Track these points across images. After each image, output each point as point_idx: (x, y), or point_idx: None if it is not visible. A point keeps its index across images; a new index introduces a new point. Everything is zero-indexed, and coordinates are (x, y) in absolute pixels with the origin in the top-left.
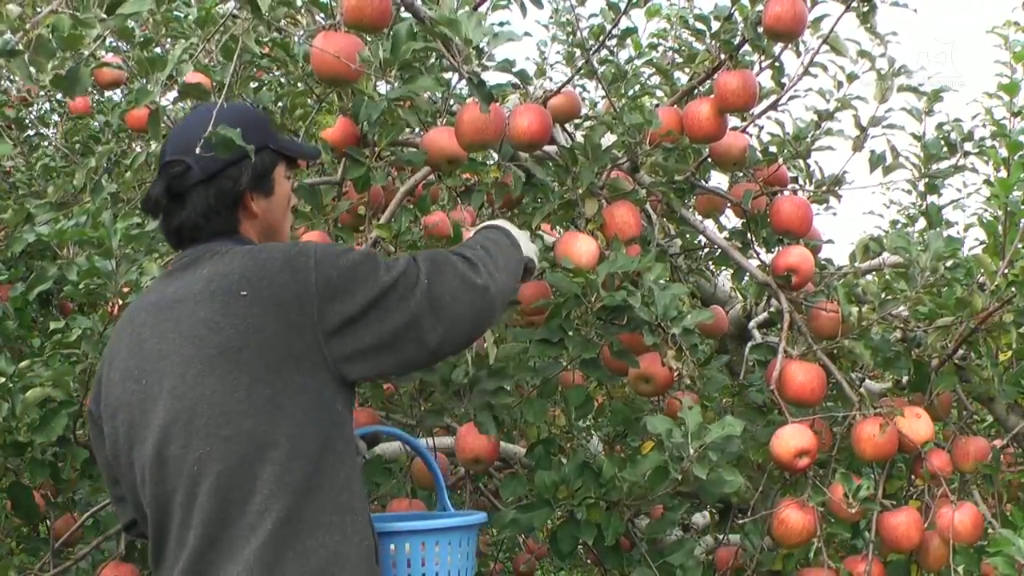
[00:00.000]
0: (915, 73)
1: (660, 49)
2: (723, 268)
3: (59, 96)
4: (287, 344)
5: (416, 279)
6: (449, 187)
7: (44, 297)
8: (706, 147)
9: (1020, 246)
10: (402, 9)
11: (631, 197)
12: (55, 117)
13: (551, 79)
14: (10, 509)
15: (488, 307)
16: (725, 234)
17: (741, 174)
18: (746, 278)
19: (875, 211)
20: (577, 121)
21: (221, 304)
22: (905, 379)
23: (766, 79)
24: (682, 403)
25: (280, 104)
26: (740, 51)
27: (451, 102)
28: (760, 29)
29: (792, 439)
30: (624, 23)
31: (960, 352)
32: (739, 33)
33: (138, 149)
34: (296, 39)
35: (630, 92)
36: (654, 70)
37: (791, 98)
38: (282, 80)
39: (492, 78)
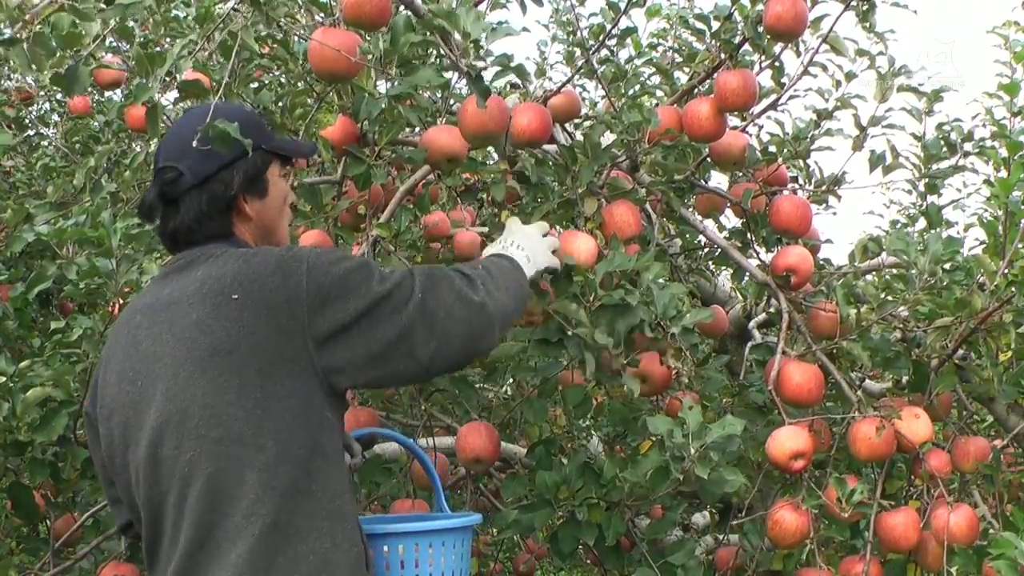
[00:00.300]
0: (915, 73)
1: (660, 49)
2: (723, 268)
3: (59, 96)
4: (277, 348)
5: (410, 291)
6: (449, 187)
7: (44, 297)
8: (706, 146)
9: (1020, 246)
10: (401, 8)
11: (630, 196)
12: (55, 117)
13: (551, 79)
14: (10, 509)
15: (485, 325)
16: (725, 234)
17: (741, 174)
18: (746, 278)
19: (875, 211)
20: (577, 121)
21: (213, 307)
22: (905, 379)
23: (766, 79)
24: (683, 403)
25: (280, 104)
26: (740, 50)
27: (451, 101)
28: (761, 28)
29: (788, 441)
30: (624, 23)
31: (960, 352)
32: (739, 32)
33: (138, 149)
34: (296, 37)
35: (630, 92)
36: (654, 70)
37: (791, 98)
38: (282, 80)
39: (491, 74)
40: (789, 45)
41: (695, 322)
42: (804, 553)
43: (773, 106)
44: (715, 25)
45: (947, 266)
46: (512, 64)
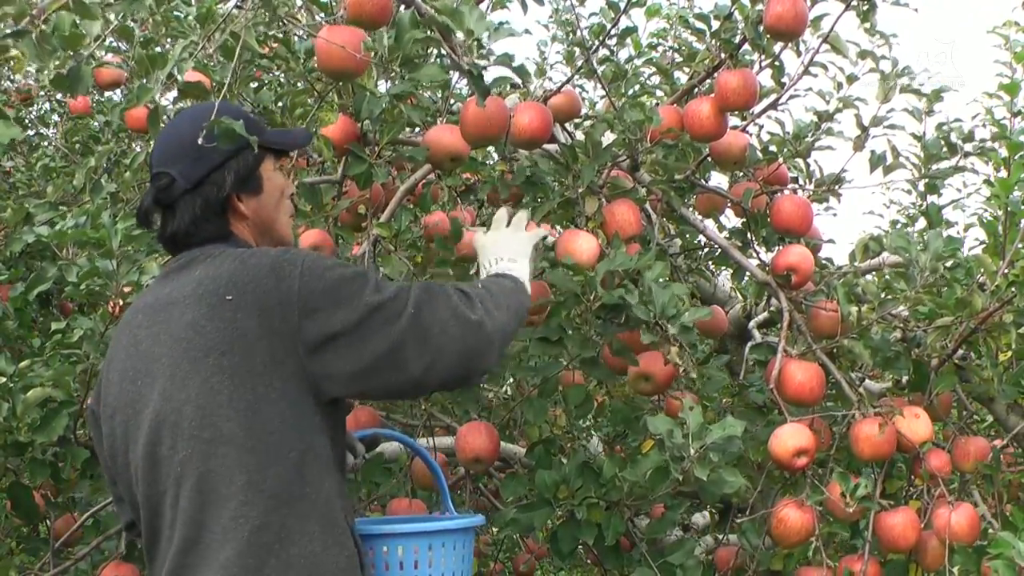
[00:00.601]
0: (917, 75)
1: (660, 49)
2: (723, 268)
3: (59, 96)
4: (269, 350)
5: (404, 305)
6: (449, 186)
7: (44, 297)
8: (706, 146)
9: (1020, 246)
10: (402, 6)
11: (631, 195)
12: (55, 117)
13: (551, 79)
14: (10, 509)
15: (482, 344)
16: (725, 233)
17: (741, 173)
18: (746, 277)
19: (875, 211)
20: (577, 120)
21: (208, 307)
22: (905, 379)
23: (766, 78)
24: (683, 403)
25: (280, 103)
26: (740, 50)
27: (452, 101)
28: (761, 28)
29: (790, 438)
30: (624, 22)
31: (960, 352)
32: (739, 32)
33: (138, 149)
34: (296, 36)
35: (630, 91)
36: (654, 70)
37: (791, 98)
38: (282, 79)
39: (492, 73)
40: (789, 45)
41: (694, 320)
42: (810, 551)
43: (773, 106)
44: (715, 25)
45: (948, 264)
46: (513, 64)
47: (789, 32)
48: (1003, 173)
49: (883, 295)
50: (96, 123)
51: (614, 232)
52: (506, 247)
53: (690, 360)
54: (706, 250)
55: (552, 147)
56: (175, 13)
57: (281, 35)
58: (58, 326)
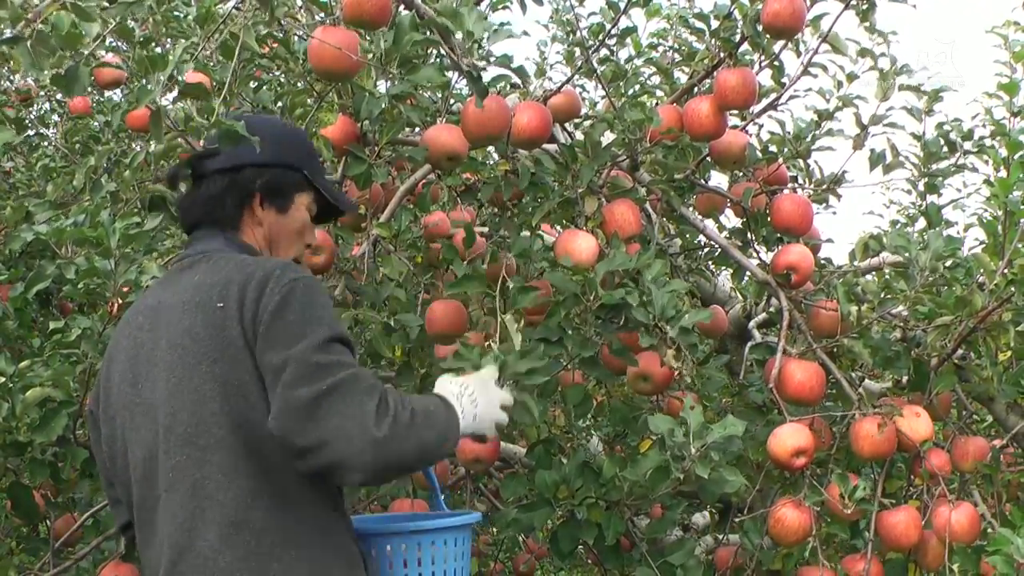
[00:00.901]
0: (916, 73)
1: (660, 48)
2: (723, 268)
3: (59, 96)
4: (250, 362)
5: (327, 377)
6: (449, 186)
7: (44, 297)
8: (706, 145)
9: (1020, 246)
10: (401, 7)
11: (631, 195)
12: (55, 117)
13: (551, 79)
14: (10, 509)
15: (374, 458)
16: (725, 233)
17: (741, 173)
18: (746, 277)
19: (875, 211)
20: (577, 120)
21: (203, 315)
22: (905, 378)
23: (766, 78)
24: (684, 403)
25: (280, 104)
26: (740, 49)
27: (451, 101)
28: (760, 27)
29: (789, 438)
30: (624, 22)
31: (960, 352)
32: (739, 31)
33: (138, 149)
34: (296, 36)
35: (630, 91)
36: (654, 69)
37: (791, 97)
38: (282, 79)
39: (491, 73)
40: (789, 44)
41: (694, 322)
42: (806, 551)
43: (773, 105)
44: (715, 24)
45: (947, 263)
46: (512, 65)
47: (787, 29)
48: (1003, 173)
49: (883, 294)
50: (96, 123)
51: (613, 232)
52: (484, 396)
53: (687, 362)
54: (706, 250)
55: (552, 147)
56: (175, 13)
57: (281, 35)
58: (57, 326)
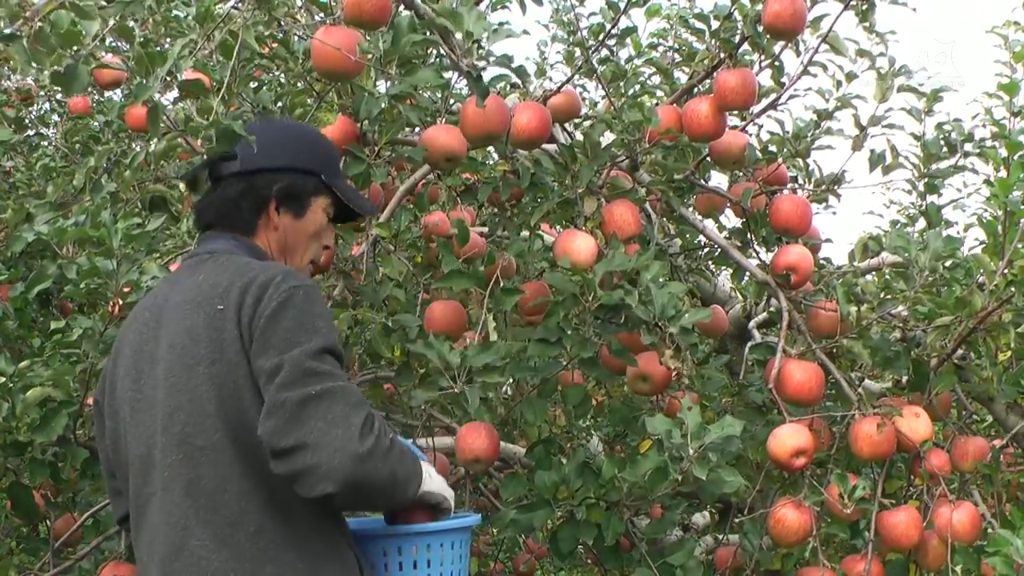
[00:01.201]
0: (915, 73)
1: (660, 49)
2: (723, 268)
3: (59, 96)
4: (248, 363)
5: (318, 384)
6: (449, 186)
7: (44, 297)
8: (705, 146)
9: (1020, 246)
10: (401, 7)
11: (630, 196)
12: (55, 117)
13: (551, 79)
14: (10, 509)
15: (341, 468)
16: (725, 233)
17: (740, 173)
18: (746, 277)
19: (875, 211)
20: (577, 120)
21: (204, 316)
22: (904, 379)
23: (766, 78)
24: (682, 403)
25: (280, 104)
26: (739, 50)
27: (451, 101)
28: (760, 27)
29: (789, 438)
30: (624, 22)
31: (959, 352)
32: (739, 31)
33: (138, 149)
34: (296, 36)
35: (630, 91)
36: (654, 69)
37: (791, 97)
38: (281, 79)
39: (490, 73)
40: (789, 44)
41: (694, 322)
42: (807, 551)
43: (773, 105)
44: (715, 24)
45: (947, 264)
46: (512, 65)
47: (788, 30)
48: (1003, 173)
49: (883, 295)
50: (96, 123)
51: (612, 232)
52: (436, 475)
53: (686, 362)
54: (706, 250)
55: (551, 147)
56: (174, 13)
57: (280, 35)
58: (57, 326)
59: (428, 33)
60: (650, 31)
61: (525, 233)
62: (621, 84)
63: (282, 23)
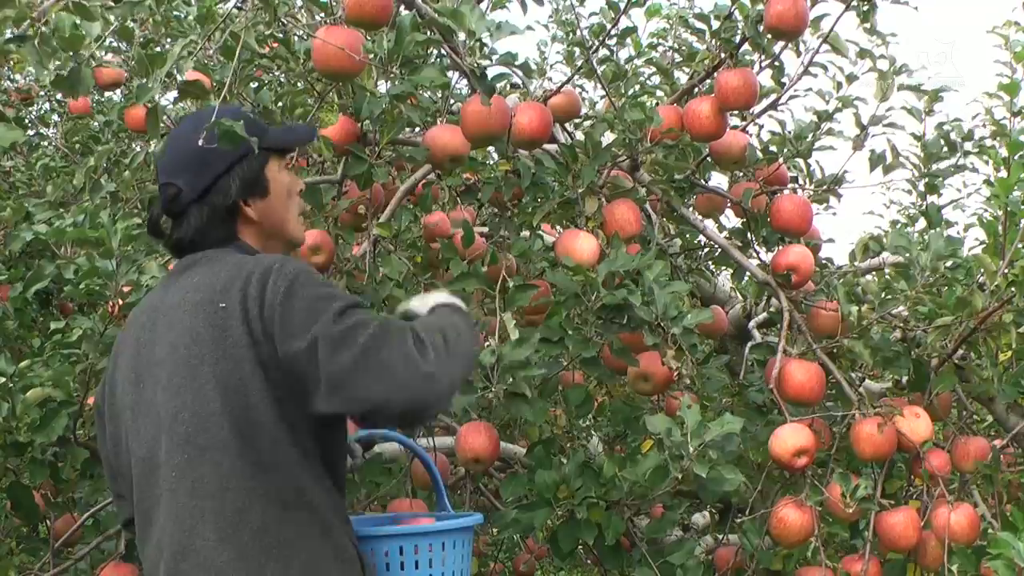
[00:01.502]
0: (915, 72)
1: (660, 49)
2: (723, 268)
3: (59, 96)
4: (257, 358)
5: (355, 341)
6: (449, 186)
7: (44, 297)
8: (706, 146)
9: (1020, 246)
10: (402, 7)
11: (631, 195)
12: (55, 117)
13: (551, 79)
14: (10, 509)
15: (428, 394)
16: (725, 233)
17: (741, 173)
18: (746, 277)
19: (875, 211)
20: (577, 120)
21: (204, 315)
22: (905, 379)
23: (766, 78)
24: (681, 402)
25: (280, 103)
26: (740, 50)
27: (452, 101)
28: (761, 27)
29: (790, 438)
30: (624, 22)
31: (960, 352)
32: (739, 32)
33: (138, 149)
34: (296, 36)
35: (630, 91)
36: (654, 69)
37: (791, 98)
38: (282, 79)
39: (492, 71)
40: (789, 45)
41: (696, 323)
42: (809, 551)
43: (773, 106)
44: (715, 24)
45: (948, 264)
46: (516, 62)
47: (790, 31)
48: (1003, 173)
49: (883, 295)
50: (96, 123)
51: (614, 232)
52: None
53: (687, 362)
54: (706, 250)
55: (552, 147)
56: (175, 13)
57: (281, 35)
58: (57, 326)
59: (430, 33)
60: (650, 31)
61: (526, 233)
62: (621, 84)
63: (283, 23)
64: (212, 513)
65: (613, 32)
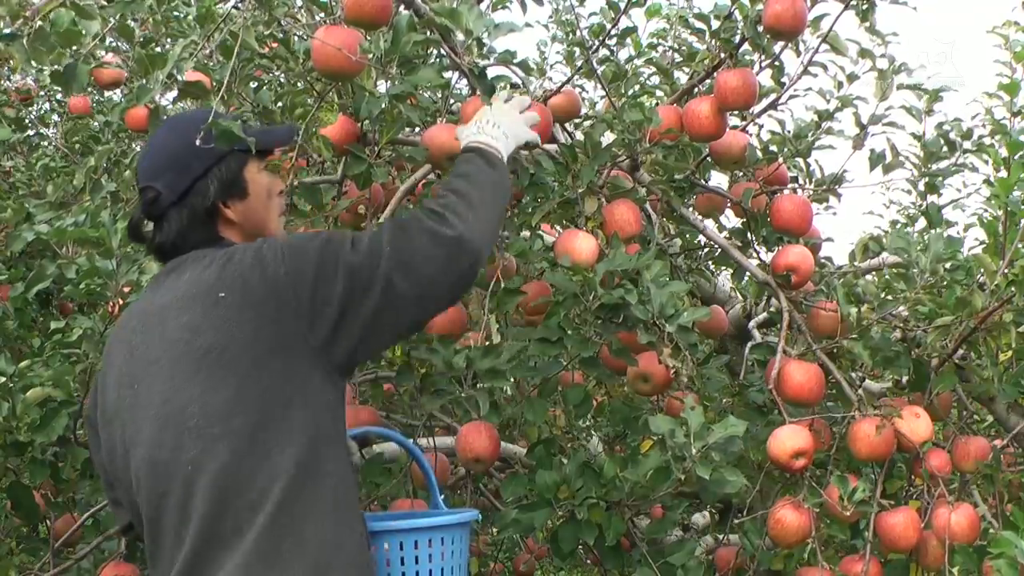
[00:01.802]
0: (915, 72)
1: (660, 49)
2: (723, 268)
3: (59, 96)
4: (269, 340)
5: (380, 249)
6: None
7: (44, 297)
8: (706, 146)
9: (1020, 246)
10: (401, 7)
11: (631, 195)
12: (55, 117)
13: (551, 79)
14: (10, 509)
15: (466, 254)
16: (725, 233)
17: (741, 173)
18: (746, 277)
19: (875, 211)
20: (577, 120)
21: (202, 308)
22: (905, 379)
23: (766, 78)
24: (684, 403)
25: (280, 103)
26: (740, 50)
27: (452, 101)
28: (760, 27)
29: (789, 440)
30: (624, 22)
31: (960, 352)
32: (739, 31)
33: (138, 149)
34: (296, 36)
35: (630, 91)
36: (654, 69)
37: (791, 97)
38: (282, 79)
39: (491, 73)
40: (789, 44)
41: (692, 320)
42: (806, 552)
43: (773, 105)
44: (715, 24)
45: (948, 265)
46: (515, 60)
47: (788, 31)
48: (1003, 173)
49: (883, 295)
50: (96, 123)
51: (613, 232)
52: (503, 116)
53: (686, 362)
54: (706, 250)
55: (552, 147)
56: (175, 13)
57: (281, 35)
58: (57, 326)
59: (429, 32)
60: (650, 31)
61: (526, 233)
62: (621, 84)
63: (282, 23)
64: (235, 499)
65: (613, 32)
